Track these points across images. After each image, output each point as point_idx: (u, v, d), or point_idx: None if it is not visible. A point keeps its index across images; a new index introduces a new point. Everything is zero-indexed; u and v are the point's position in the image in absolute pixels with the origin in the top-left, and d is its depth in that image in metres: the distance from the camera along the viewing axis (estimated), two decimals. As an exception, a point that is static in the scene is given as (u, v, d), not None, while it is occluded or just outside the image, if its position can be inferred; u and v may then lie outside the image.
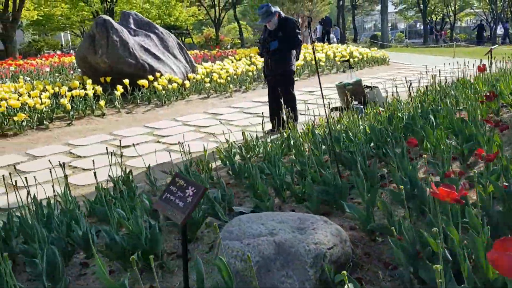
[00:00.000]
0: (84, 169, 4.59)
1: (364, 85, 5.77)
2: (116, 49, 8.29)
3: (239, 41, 34.00)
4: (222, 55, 13.72)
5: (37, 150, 5.41)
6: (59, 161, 3.26)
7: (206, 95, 8.62)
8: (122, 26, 9.04)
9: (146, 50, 8.96)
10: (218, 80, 8.85)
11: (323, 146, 3.62)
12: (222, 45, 29.15)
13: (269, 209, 2.54)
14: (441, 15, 38.88)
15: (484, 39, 28.12)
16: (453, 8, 36.84)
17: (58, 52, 32.70)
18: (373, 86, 5.85)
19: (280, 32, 5.02)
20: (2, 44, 17.38)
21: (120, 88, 7.61)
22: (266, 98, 8.25)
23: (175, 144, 5.36)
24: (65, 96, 7.11)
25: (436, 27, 37.41)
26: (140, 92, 8.02)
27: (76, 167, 4.68)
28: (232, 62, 11.16)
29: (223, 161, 4.09)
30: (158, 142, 5.56)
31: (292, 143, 3.90)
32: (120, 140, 4.97)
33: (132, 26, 9.49)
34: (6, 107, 6.47)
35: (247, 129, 5.92)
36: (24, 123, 6.24)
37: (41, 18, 30.11)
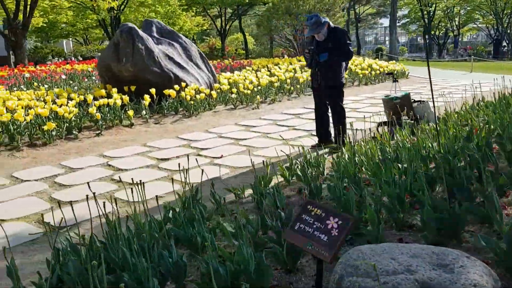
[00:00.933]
0: (130, 183, 4.32)
1: (412, 99, 5.56)
2: (141, 57, 8.07)
3: (244, 52, 33.93)
4: (239, 65, 13.54)
5: (72, 162, 5.14)
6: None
7: (232, 106, 8.39)
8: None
9: (170, 59, 8.75)
10: (244, 91, 8.63)
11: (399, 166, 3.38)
12: (227, 55, 29.03)
13: (380, 238, 2.29)
14: (444, 29, 39.08)
15: (500, 53, 28.24)
16: (456, 23, 37.05)
17: (61, 59, 32.48)
18: (422, 100, 5.64)
19: (330, 43, 4.82)
20: (12, 51, 17.11)
21: (147, 98, 7.37)
22: (295, 111, 8.09)
23: (218, 157, 5.12)
24: (93, 105, 6.86)
25: (439, 41, 37.59)
26: (166, 102, 7.78)
27: (120, 181, 4.41)
28: (250, 72, 10.97)
29: (286, 178, 3.84)
30: (199, 155, 5.30)
31: (362, 160, 3.65)
32: (155, 152, 4.72)
33: (155, 34, 9.28)
34: (37, 116, 6.21)
35: (289, 143, 5.70)
36: (53, 133, 5.97)
37: (45, 25, 29.94)
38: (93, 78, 12.17)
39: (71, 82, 11.77)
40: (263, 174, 3.89)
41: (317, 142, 5.17)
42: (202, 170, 3.31)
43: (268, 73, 10.91)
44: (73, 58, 35.52)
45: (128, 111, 6.94)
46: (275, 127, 6.76)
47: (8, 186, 4.41)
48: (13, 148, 5.67)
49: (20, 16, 16.62)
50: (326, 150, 4.83)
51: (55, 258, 2.38)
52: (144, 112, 7.29)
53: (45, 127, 5.86)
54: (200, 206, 2.94)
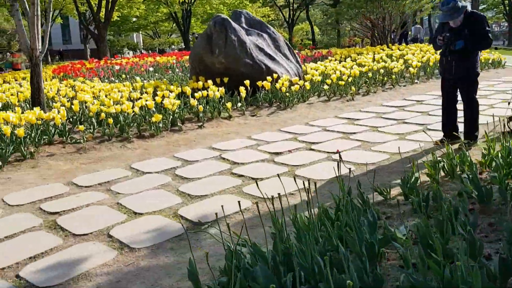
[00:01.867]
0: (252, 178, 4.19)
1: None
2: (233, 49, 7.99)
3: (310, 42, 33.36)
4: (320, 55, 13.19)
5: (184, 154, 5.12)
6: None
7: (326, 98, 8.10)
8: (235, 25, 8.73)
9: (261, 50, 8.59)
10: (338, 82, 8.30)
11: None
12: (294, 46, 28.68)
13: None
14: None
15: None
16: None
17: (137, 52, 33.69)
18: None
19: (466, 29, 4.38)
20: (96, 45, 17.91)
21: (243, 90, 7.27)
22: (396, 103, 7.65)
23: (334, 153, 4.87)
24: (193, 97, 6.86)
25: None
26: (261, 94, 7.65)
27: (242, 176, 4.30)
28: (332, 62, 10.58)
29: (433, 178, 3.52)
30: (312, 149, 5.09)
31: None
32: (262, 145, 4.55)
33: (244, 25, 9.15)
34: (140, 107, 6.31)
35: (406, 137, 5.34)
36: (160, 125, 6.01)
37: (118, 19, 31.11)
38: (176, 70, 12.35)
39: (156, 74, 12.03)
40: (398, 172, 3.59)
41: (443, 137, 4.77)
42: (339, 165, 3.06)
43: (353, 63, 10.47)
44: (143, 51, 36.77)
45: (226, 103, 6.87)
46: (381, 120, 6.39)
47: (131, 178, 4.44)
48: (124, 140, 5.77)
49: (103, 11, 17.32)
50: (455, 146, 4.44)
51: (229, 260, 2.25)
52: (239, 104, 7.20)
53: (153, 119, 5.92)
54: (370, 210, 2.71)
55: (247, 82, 7.57)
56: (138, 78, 9.10)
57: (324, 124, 6.30)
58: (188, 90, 7.14)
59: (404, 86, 9.11)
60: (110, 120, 5.75)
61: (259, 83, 7.73)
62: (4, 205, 3.85)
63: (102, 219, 3.45)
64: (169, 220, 3.41)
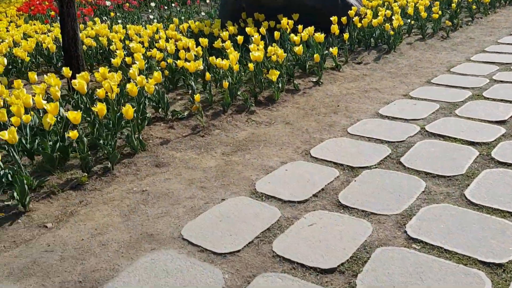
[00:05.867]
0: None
1: None
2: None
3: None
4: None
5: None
6: None
7: (420, 36, 6.69)
8: None
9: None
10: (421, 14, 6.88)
11: None
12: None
13: None
14: None
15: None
16: None
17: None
18: None
19: None
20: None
21: (335, 28, 5.66)
22: (503, 39, 6.44)
23: None
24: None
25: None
26: (355, 34, 6.10)
27: None
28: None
29: None
30: None
31: None
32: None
33: None
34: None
35: None
36: (279, 85, 4.39)
37: None
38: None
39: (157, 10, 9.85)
40: None
41: None
42: None
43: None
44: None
45: (330, 49, 5.29)
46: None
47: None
48: (242, 109, 4.14)
49: None
50: None
51: None
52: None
53: (270, 76, 4.27)
54: None
55: (334, 18, 5.93)
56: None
57: (469, 71, 5.00)
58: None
59: (480, 18, 7.87)
60: (226, 83, 4.04)
61: (344, 19, 6.14)
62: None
63: None
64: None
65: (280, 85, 4.46)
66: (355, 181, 2.85)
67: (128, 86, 3.44)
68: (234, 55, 4.35)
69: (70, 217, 2.65)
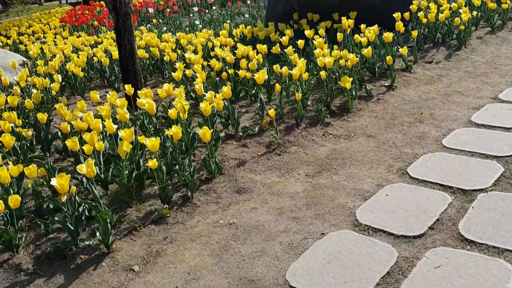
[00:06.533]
0: None
1: None
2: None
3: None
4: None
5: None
6: None
7: (489, 29, 6.17)
8: None
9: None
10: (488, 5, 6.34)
11: None
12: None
13: None
14: None
15: None
16: None
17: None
18: None
19: None
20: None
21: (400, 25, 5.24)
22: None
23: None
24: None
25: None
26: (421, 30, 5.66)
27: None
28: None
29: None
30: None
31: None
32: None
33: None
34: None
35: None
36: (353, 92, 4.05)
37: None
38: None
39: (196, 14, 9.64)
40: None
41: None
42: None
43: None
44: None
45: (400, 49, 4.89)
46: None
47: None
48: (315, 122, 3.82)
49: None
50: None
51: None
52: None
53: (343, 83, 3.93)
54: None
55: (399, 15, 5.50)
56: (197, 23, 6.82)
57: None
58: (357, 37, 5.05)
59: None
60: (299, 95, 3.72)
61: (406, 15, 5.71)
62: None
63: None
64: None
65: (354, 92, 4.11)
66: (472, 207, 2.48)
67: (202, 105, 3.18)
68: (302, 62, 4.03)
69: (157, 257, 2.41)
